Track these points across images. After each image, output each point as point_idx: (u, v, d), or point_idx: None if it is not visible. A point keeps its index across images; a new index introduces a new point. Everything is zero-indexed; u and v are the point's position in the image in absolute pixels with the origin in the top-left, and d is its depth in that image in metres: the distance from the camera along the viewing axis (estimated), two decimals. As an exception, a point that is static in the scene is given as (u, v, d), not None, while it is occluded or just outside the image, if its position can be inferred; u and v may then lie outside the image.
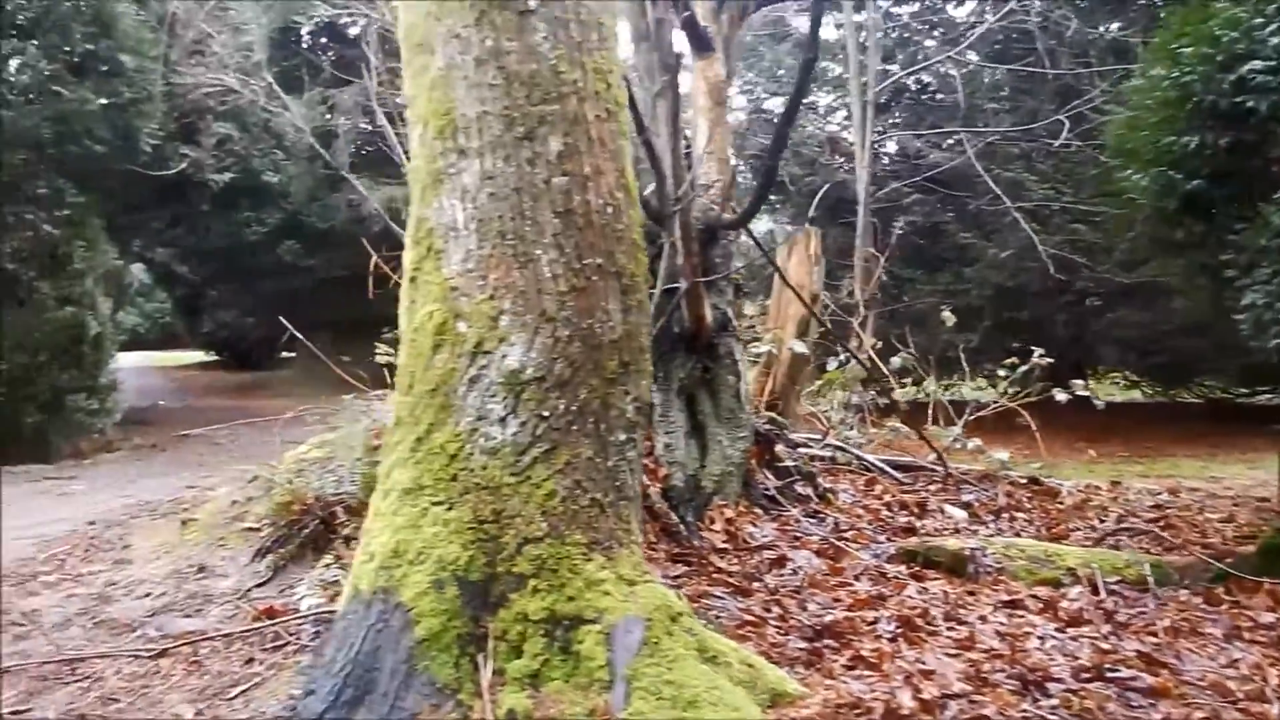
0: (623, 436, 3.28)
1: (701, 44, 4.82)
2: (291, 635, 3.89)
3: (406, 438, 3.20)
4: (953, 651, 3.61)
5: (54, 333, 9.80)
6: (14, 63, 10.29)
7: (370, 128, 16.40)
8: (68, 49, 9.97)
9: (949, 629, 3.86)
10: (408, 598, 3.01)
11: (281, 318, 7.19)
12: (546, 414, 3.08)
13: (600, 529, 3.16)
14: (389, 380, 7.49)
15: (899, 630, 3.77)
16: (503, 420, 3.08)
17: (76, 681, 3.65)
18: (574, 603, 3.03)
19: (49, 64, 9.79)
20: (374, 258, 6.25)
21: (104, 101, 10.10)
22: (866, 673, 3.40)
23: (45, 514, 7.06)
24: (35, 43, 10.01)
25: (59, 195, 10.03)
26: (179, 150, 11.80)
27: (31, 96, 9.81)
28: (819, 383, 7.50)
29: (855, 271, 8.61)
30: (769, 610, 3.94)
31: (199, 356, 27.45)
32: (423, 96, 3.20)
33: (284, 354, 24.18)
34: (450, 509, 3.07)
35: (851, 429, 7.33)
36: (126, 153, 10.60)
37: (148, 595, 4.52)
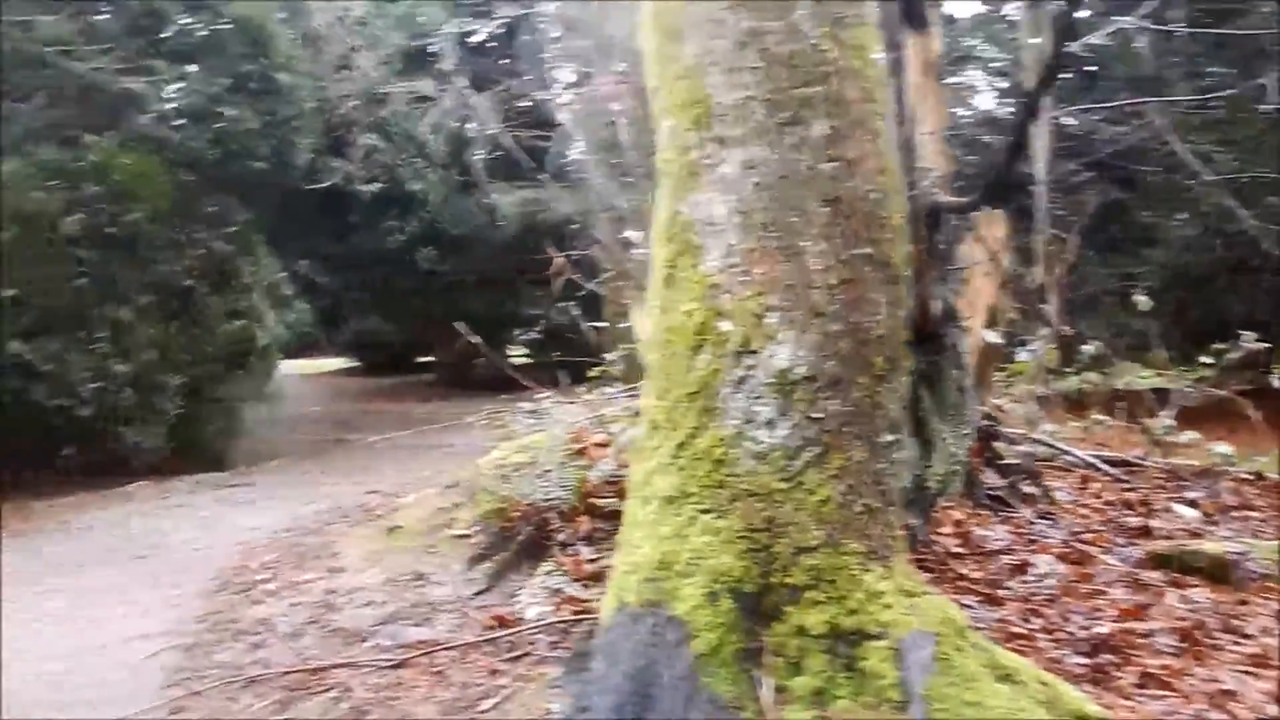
0: (889, 437, 3.08)
1: (917, 19, 4.58)
2: (528, 645, 3.82)
3: (665, 443, 3.07)
4: (1247, 669, 3.30)
5: (225, 344, 10.13)
6: (175, 86, 10.68)
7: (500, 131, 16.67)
8: (227, 70, 10.27)
9: (1233, 643, 3.54)
10: (681, 611, 2.87)
11: (459, 324, 7.17)
12: (818, 415, 2.91)
13: (874, 537, 2.97)
14: (526, 382, 7.50)
15: (1180, 644, 3.47)
16: (771, 423, 2.92)
17: (324, 692, 3.63)
18: (855, 616, 2.85)
19: (210, 86, 10.09)
20: (557, 257, 6.17)
21: (262, 120, 10.37)
22: (1161, 692, 3.12)
23: (237, 521, 7.24)
24: (196, 66, 10.34)
25: (225, 213, 10.34)
26: (329, 164, 12.04)
27: (196, 118, 10.12)
28: (1006, 374, 7.12)
29: (1037, 255, 8.18)
30: (1028, 621, 3.68)
31: (337, 363, 28.22)
32: (673, 86, 3.07)
33: (420, 359, 24.68)
34: (719, 517, 2.92)
35: (1044, 422, 6.93)
36: (284, 168, 10.88)
37: (370, 604, 4.51)
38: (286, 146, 10.67)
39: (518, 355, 24.18)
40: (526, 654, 3.77)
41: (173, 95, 10.52)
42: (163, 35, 10.28)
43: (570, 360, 9.85)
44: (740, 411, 2.94)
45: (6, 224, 8.75)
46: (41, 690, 3.93)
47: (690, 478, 2.98)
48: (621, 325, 12.02)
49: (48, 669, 4.16)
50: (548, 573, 4.35)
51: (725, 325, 2.96)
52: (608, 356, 9.32)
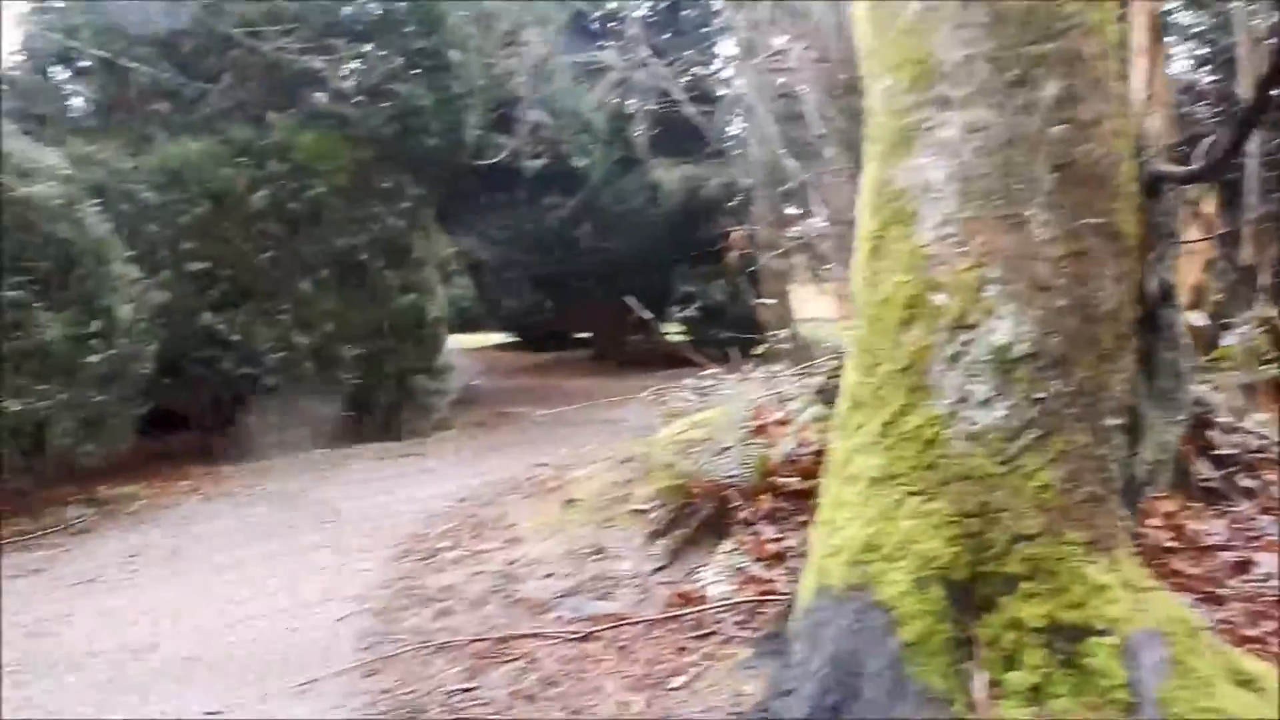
0: (1113, 421, 2.88)
1: (1134, -25, 4.28)
2: (713, 624, 3.76)
3: (871, 421, 2.94)
4: None
5: (399, 318, 10.42)
6: (353, 65, 11.03)
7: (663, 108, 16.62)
8: (401, 48, 10.52)
9: None
10: (887, 596, 2.75)
11: (630, 300, 7.16)
12: (1040, 396, 2.72)
13: (1098, 526, 2.77)
14: (697, 359, 7.42)
15: None
16: (987, 402, 2.75)
17: (511, 661, 3.67)
18: (1078, 610, 2.66)
19: (386, 64, 10.37)
20: (735, 231, 6.05)
21: (435, 97, 10.59)
22: None
23: (414, 490, 7.45)
24: (372, 44, 10.64)
25: (400, 189, 10.63)
26: (496, 140, 12.21)
27: (372, 95, 10.42)
28: (1210, 359, 6.64)
29: (1247, 233, 7.59)
30: (1257, 624, 3.39)
31: (496, 338, 28.88)
32: (890, 46, 2.91)
33: (577, 335, 25.02)
34: (929, 500, 2.78)
35: (1253, 411, 6.44)
36: (454, 145, 11.10)
37: (551, 575, 4.54)
38: (457, 123, 10.87)
39: (673, 332, 24.27)
40: (712, 632, 3.71)
41: (351, 73, 10.90)
42: (341, 15, 10.63)
43: (737, 338, 9.76)
44: (954, 390, 2.78)
45: (198, 200, 9.22)
46: (243, 649, 4.11)
47: (898, 458, 2.85)
48: (781, 302, 11.88)
49: (247, 629, 4.35)
50: (729, 551, 4.28)
51: (940, 298, 2.80)
52: (776, 333, 9.19)
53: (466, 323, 30.28)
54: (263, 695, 3.58)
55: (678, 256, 20.28)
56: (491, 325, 28.38)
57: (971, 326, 2.76)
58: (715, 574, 4.17)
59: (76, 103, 10.87)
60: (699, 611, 3.88)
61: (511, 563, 4.80)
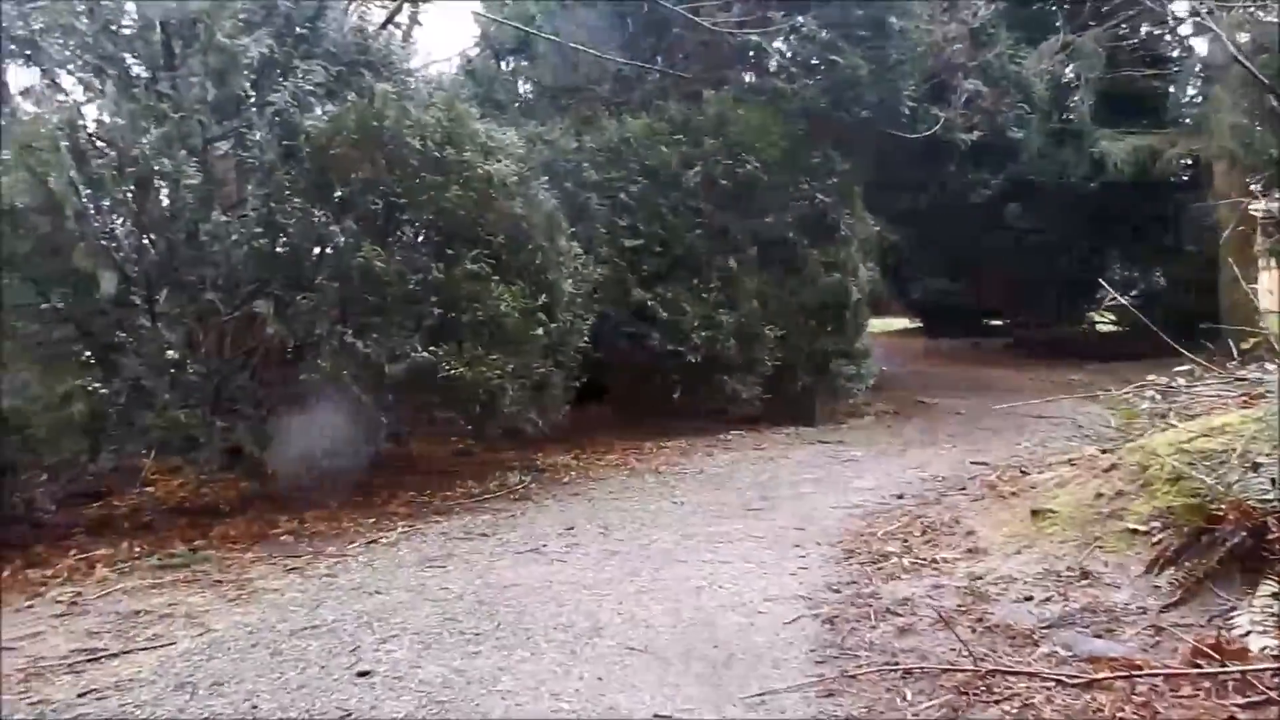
0: None
1: None
2: (1264, 688, 2.95)
3: None
4: None
5: (822, 298, 10.07)
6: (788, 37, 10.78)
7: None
8: (839, 17, 10.09)
9: None
10: None
11: (1102, 280, 6.24)
12: None
13: None
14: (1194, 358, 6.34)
15: None
16: None
17: (999, 701, 3.10)
18: None
19: (822, 33, 9.99)
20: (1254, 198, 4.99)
21: (872, 66, 10.07)
22: None
23: (842, 480, 7.05)
24: (808, 15, 10.30)
25: (828, 164, 10.25)
26: (930, 111, 11.44)
27: (808, 67, 10.11)
28: None
29: None
30: None
31: (898, 323, 27.84)
32: None
33: (988, 321, 23.44)
34: None
35: None
36: (889, 116, 10.53)
37: (1029, 599, 3.91)
38: (892, 93, 10.29)
39: (1103, 322, 21.98)
40: (1266, 699, 2.92)
41: (786, 46, 10.68)
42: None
43: (1214, 327, 8.44)
44: None
45: (635, 178, 9.41)
46: (688, 644, 3.86)
47: None
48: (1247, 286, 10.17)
49: (689, 621, 4.12)
50: (1273, 594, 3.42)
51: None
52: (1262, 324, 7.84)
53: (873, 305, 29.51)
54: (715, 703, 3.29)
55: (1111, 237, 18.27)
56: (893, 309, 27.37)
57: None
58: (1256, 621, 3.33)
59: (527, 88, 11.63)
60: (1243, 670, 3.08)
61: (978, 578, 4.21)
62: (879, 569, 4.52)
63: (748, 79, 11.19)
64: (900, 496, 6.13)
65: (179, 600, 4.73)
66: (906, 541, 4.92)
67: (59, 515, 6.30)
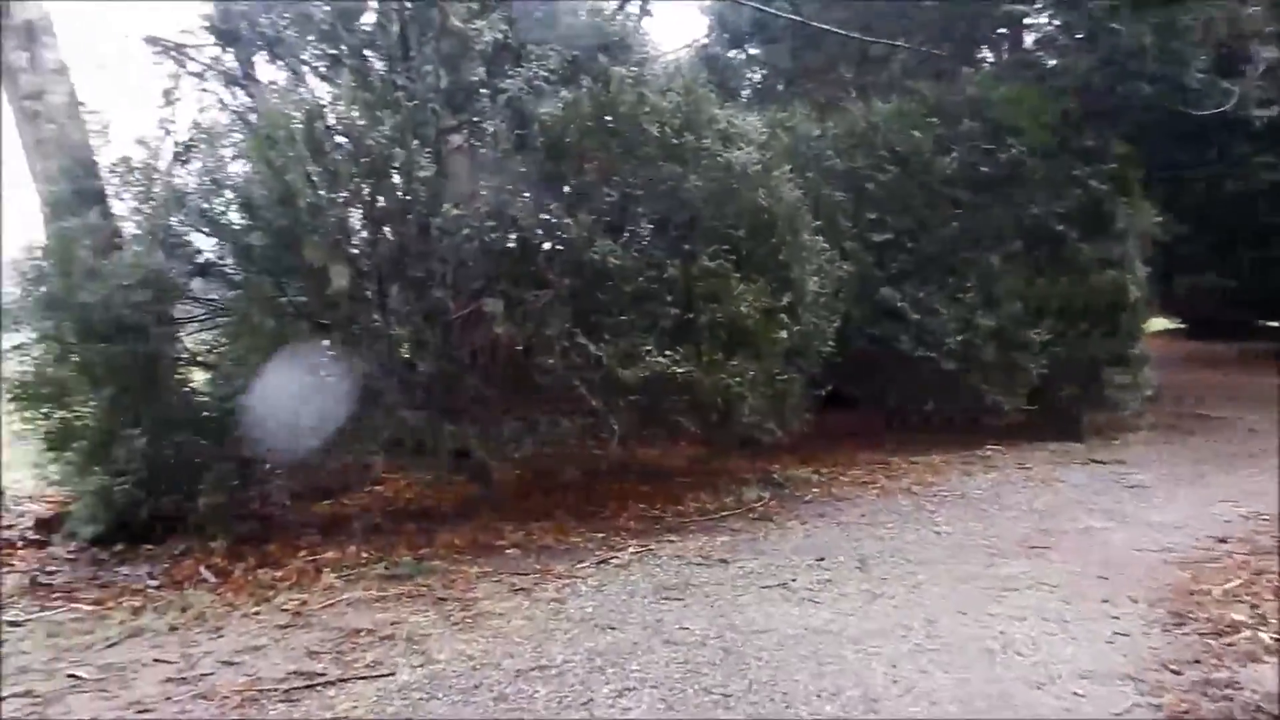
0: None
1: None
2: None
3: None
4: None
5: (1094, 299, 8.88)
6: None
7: None
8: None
9: None
10: None
11: None
12: None
13: None
14: None
15: None
16: None
17: None
18: None
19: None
20: None
21: (1157, 35, 8.79)
22: None
23: (1136, 514, 6.05)
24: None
25: (1105, 147, 9.04)
26: (1221, 85, 9.93)
27: (1079, 40, 8.96)
28: None
29: None
30: None
31: (1158, 324, 25.31)
32: None
33: (1266, 323, 20.82)
34: None
35: None
36: (1174, 92, 9.20)
37: None
38: (1179, 65, 8.96)
39: None
40: None
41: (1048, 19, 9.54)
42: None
43: None
44: None
45: (884, 166, 8.60)
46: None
47: None
48: None
49: (984, 694, 3.38)
50: None
51: None
52: None
53: (1136, 305, 26.97)
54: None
55: None
56: (1156, 309, 24.88)
57: None
58: None
59: (765, 74, 10.99)
60: None
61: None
62: (1228, 644, 3.61)
63: (1005, 55, 10.11)
64: (1223, 540, 5.10)
65: (402, 619, 4.44)
66: (1257, 607, 3.95)
67: (291, 512, 6.25)
